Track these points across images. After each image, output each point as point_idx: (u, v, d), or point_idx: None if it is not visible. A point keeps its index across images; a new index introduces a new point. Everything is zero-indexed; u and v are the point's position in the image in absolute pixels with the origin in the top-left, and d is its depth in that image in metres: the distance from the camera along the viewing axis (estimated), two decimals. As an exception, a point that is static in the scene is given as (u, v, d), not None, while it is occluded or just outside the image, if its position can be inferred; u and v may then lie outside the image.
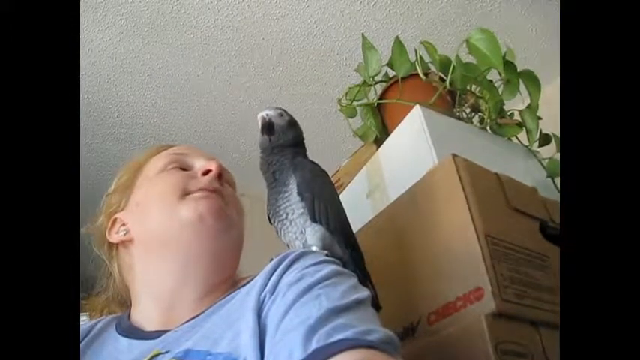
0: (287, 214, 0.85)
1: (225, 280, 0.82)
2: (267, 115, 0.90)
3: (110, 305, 0.91)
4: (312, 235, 0.82)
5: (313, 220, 0.83)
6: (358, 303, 0.62)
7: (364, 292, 0.65)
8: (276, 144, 0.89)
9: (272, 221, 0.88)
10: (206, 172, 0.85)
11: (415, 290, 0.87)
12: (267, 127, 0.89)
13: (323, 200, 0.84)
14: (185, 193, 0.81)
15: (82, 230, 0.89)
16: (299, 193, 0.84)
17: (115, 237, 0.86)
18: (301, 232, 0.84)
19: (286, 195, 0.85)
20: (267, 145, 0.89)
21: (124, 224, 0.86)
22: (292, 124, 0.93)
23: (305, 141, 0.95)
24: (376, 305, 0.83)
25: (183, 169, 0.87)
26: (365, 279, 0.84)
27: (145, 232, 0.83)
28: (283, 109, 0.93)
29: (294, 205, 0.84)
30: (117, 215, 0.87)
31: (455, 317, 0.77)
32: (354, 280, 0.69)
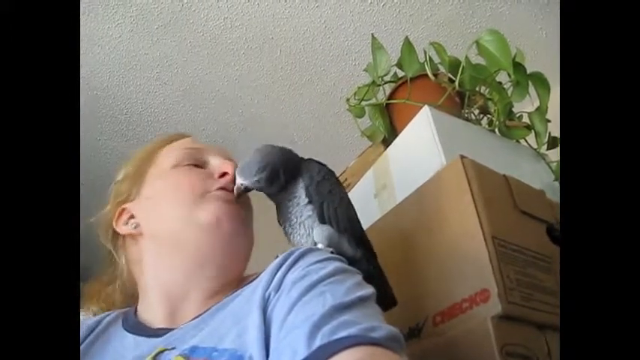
0: (296, 218, 0.84)
1: (232, 281, 0.82)
2: (241, 184, 0.82)
3: (114, 295, 0.90)
4: (318, 234, 0.82)
5: (322, 222, 0.83)
6: (362, 300, 0.62)
7: (368, 289, 0.65)
8: (267, 191, 0.85)
9: (282, 226, 0.88)
10: (223, 175, 0.85)
11: (421, 291, 0.86)
12: (243, 193, 0.84)
13: (332, 202, 0.84)
14: (201, 195, 0.81)
15: (92, 220, 0.89)
16: (307, 196, 0.84)
17: (123, 228, 0.85)
18: (309, 233, 0.83)
19: (295, 200, 0.84)
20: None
21: (132, 216, 0.85)
22: (272, 178, 0.83)
23: (313, 140, 0.94)
24: (392, 300, 0.85)
25: (198, 166, 0.86)
26: (380, 276, 0.84)
27: (157, 229, 0.82)
28: (259, 166, 0.82)
29: (302, 207, 0.84)
30: (125, 205, 0.87)
31: (461, 319, 0.77)
32: (358, 277, 0.69)
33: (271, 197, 0.87)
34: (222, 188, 0.82)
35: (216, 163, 0.87)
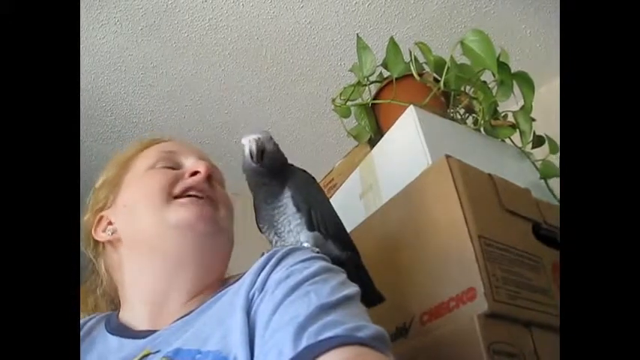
0: (284, 227, 0.84)
1: (214, 282, 0.82)
2: (258, 138, 0.83)
3: (97, 303, 0.89)
4: (305, 236, 0.82)
5: (311, 229, 0.83)
6: (348, 299, 0.62)
7: (353, 288, 0.65)
8: (269, 166, 0.84)
9: (267, 234, 0.87)
10: (194, 173, 0.84)
11: (408, 291, 0.87)
12: (261, 153, 0.82)
13: (319, 209, 0.84)
14: (172, 195, 0.80)
15: None
16: (295, 205, 0.83)
17: (101, 235, 0.85)
18: (297, 240, 0.83)
19: (282, 208, 0.84)
20: (258, 169, 0.84)
21: (110, 223, 0.85)
22: (278, 147, 0.87)
23: (299, 141, 0.94)
24: (379, 296, 0.85)
25: (173, 168, 0.85)
26: (366, 276, 0.85)
27: (133, 234, 0.82)
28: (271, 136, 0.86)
29: (290, 216, 0.83)
30: (103, 212, 0.86)
31: (447, 318, 0.77)
32: (342, 276, 0.69)
33: (257, 191, 0.87)
34: (190, 188, 0.82)
35: (190, 163, 0.87)
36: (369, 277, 0.86)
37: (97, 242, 0.87)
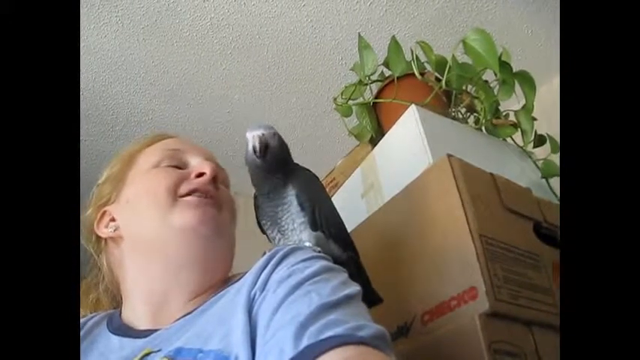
0: (287, 225, 0.84)
1: (217, 282, 0.81)
2: (262, 134, 0.83)
3: (100, 298, 0.89)
4: (307, 235, 0.82)
5: (314, 229, 0.83)
6: (349, 298, 0.62)
7: (355, 288, 0.65)
8: (272, 162, 0.84)
9: (269, 231, 0.87)
10: (200, 175, 0.83)
11: (409, 290, 0.87)
12: (264, 149, 0.82)
13: (323, 208, 0.85)
14: (176, 196, 0.80)
15: None
16: (299, 204, 0.83)
17: (104, 231, 0.85)
18: (301, 239, 0.83)
19: (286, 206, 0.84)
20: (261, 164, 0.84)
21: (113, 219, 0.85)
22: (282, 142, 0.86)
23: (301, 140, 0.94)
24: (378, 297, 0.85)
25: (178, 167, 0.85)
26: (364, 276, 0.85)
27: (135, 233, 0.82)
28: (275, 131, 0.86)
29: (294, 214, 0.83)
30: (106, 208, 0.86)
31: (449, 317, 0.77)
32: (344, 275, 0.69)
33: (260, 185, 0.86)
34: (196, 190, 0.81)
35: (196, 163, 0.87)
36: (368, 278, 0.86)
37: (99, 238, 0.87)
